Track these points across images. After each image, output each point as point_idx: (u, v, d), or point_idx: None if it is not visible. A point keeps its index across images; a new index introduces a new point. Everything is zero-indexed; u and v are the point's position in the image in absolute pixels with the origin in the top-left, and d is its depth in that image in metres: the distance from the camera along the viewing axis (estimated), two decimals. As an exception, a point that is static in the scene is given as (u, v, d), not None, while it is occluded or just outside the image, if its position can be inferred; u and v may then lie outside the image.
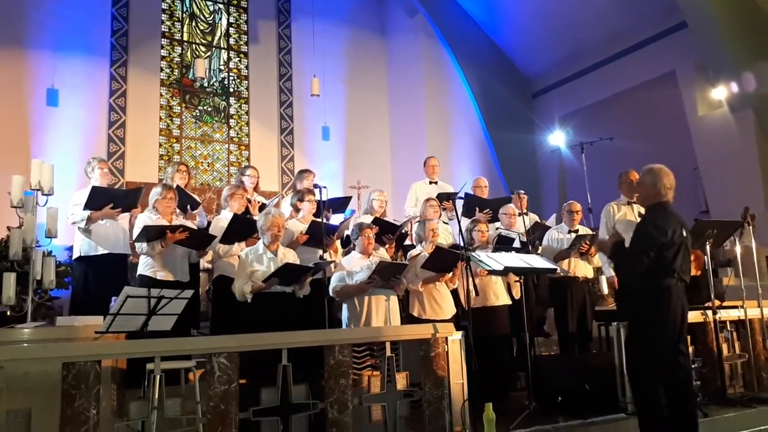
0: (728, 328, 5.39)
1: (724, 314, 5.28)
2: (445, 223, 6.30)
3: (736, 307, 5.43)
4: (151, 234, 4.63)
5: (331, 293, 4.78)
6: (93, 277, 5.08)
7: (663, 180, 3.75)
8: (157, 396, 3.33)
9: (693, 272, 5.94)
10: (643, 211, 5.38)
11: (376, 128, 11.22)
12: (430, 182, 6.96)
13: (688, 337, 5.12)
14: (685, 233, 3.68)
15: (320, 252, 4.98)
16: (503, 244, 5.62)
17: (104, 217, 5.10)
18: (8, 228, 5.43)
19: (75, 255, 5.28)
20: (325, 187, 5.22)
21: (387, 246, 5.50)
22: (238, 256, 4.81)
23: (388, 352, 3.91)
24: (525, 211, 6.42)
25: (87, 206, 5.03)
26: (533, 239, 5.97)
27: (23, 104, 8.42)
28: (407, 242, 6.00)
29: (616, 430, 4.31)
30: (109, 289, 4.61)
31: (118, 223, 5.25)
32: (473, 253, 4.65)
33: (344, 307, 4.84)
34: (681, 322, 3.65)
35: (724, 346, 5.27)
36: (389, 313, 4.70)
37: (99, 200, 5.02)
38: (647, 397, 3.55)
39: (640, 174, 3.91)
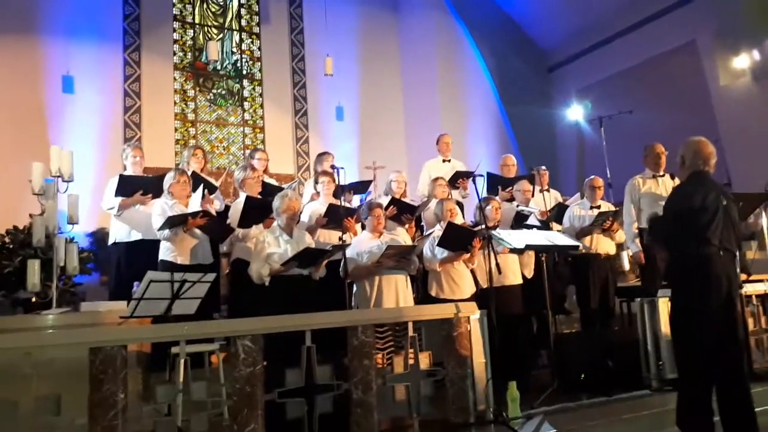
0: (754, 302, 5.31)
1: (750, 288, 5.20)
2: (458, 202, 6.22)
3: (761, 280, 5.35)
4: (175, 222, 4.66)
5: (341, 274, 4.76)
6: (128, 262, 5.14)
7: (690, 150, 3.65)
8: (182, 379, 3.38)
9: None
10: (669, 183, 5.31)
11: (390, 106, 11.10)
12: (444, 160, 6.84)
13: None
14: (725, 201, 3.53)
15: (339, 234, 4.96)
16: (520, 220, 5.55)
17: (135, 204, 5.17)
18: (30, 215, 5.49)
19: (110, 241, 5.36)
20: (342, 168, 5.19)
21: (407, 226, 5.47)
22: (255, 239, 4.81)
23: (411, 332, 3.90)
24: (546, 187, 6.33)
25: (117, 193, 5.10)
26: (550, 218, 5.90)
27: (40, 92, 8.42)
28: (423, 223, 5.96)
29: (641, 406, 4.28)
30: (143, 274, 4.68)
31: (149, 210, 5.29)
32: (494, 231, 4.60)
33: (353, 288, 4.82)
34: (727, 293, 3.45)
35: (750, 321, 5.19)
36: (400, 293, 4.68)
37: (128, 188, 5.11)
38: (687, 375, 3.48)
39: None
